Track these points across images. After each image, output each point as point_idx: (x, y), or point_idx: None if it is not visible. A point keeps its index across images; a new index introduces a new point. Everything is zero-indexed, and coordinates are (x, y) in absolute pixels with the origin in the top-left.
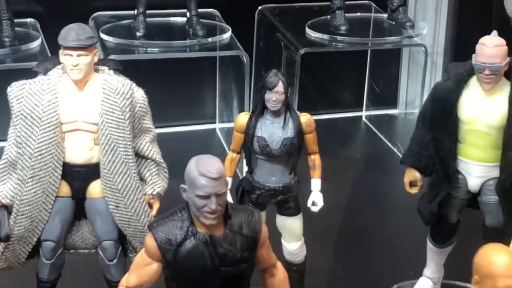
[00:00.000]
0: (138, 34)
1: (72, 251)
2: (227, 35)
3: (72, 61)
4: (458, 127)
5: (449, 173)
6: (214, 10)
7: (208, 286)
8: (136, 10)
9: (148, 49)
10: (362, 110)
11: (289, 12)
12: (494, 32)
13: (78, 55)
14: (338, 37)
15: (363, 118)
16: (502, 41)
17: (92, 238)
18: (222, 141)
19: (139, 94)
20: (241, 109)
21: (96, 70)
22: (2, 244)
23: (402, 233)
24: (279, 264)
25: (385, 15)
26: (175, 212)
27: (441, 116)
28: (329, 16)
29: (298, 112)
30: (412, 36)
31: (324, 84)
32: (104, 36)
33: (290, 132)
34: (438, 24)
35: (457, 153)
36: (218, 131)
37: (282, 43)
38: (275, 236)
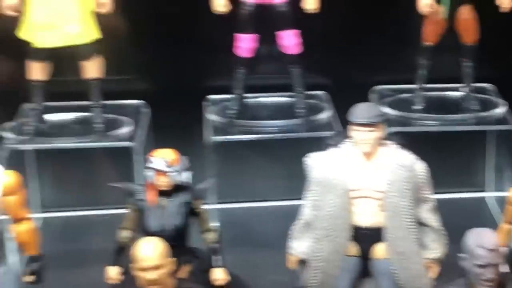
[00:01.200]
0: (416, 107)
1: None
2: (502, 109)
3: (362, 136)
4: None
5: None
6: (491, 84)
7: None
8: (415, 85)
9: (425, 122)
10: None
11: None
12: None
13: (368, 131)
14: None
15: None
16: None
17: None
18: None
19: (420, 167)
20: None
21: (382, 144)
22: None
23: None
24: None
25: None
26: (457, 281)
27: None
28: None
29: None
30: None
31: None
32: (384, 109)
33: None
34: None
35: None
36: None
37: None
38: None
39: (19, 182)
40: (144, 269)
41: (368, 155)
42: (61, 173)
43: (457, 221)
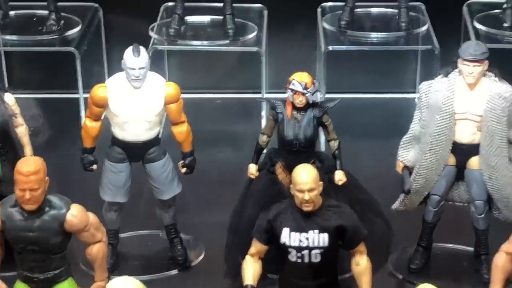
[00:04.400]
0: (505, 24)
1: (450, 202)
2: (424, 27)
3: (468, 70)
4: None
5: None
6: (420, 3)
7: None
8: (506, 3)
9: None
10: None
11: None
12: None
13: (474, 65)
14: None
15: None
16: None
17: (466, 196)
18: None
19: None
20: None
21: (484, 75)
22: (403, 195)
23: None
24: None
25: None
26: None
27: None
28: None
29: None
30: None
31: None
32: (477, 25)
33: None
34: None
35: None
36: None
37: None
38: None
39: (179, 92)
40: (302, 191)
41: (471, 85)
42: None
43: None
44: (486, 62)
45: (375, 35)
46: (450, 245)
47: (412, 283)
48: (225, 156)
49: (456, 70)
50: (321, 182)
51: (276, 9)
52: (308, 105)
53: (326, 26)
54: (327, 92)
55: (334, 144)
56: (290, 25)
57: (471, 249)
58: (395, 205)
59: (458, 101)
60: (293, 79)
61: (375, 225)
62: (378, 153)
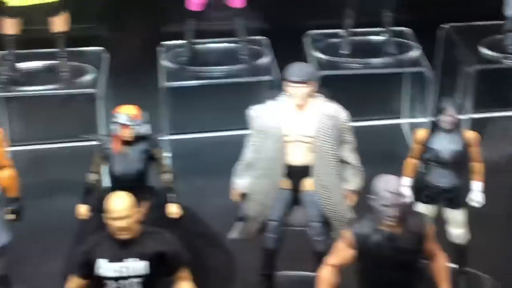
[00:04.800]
0: (343, 52)
1: (289, 227)
2: (416, 52)
3: (294, 91)
4: None
5: None
6: (408, 29)
7: (387, 269)
8: (343, 32)
9: (351, 65)
10: None
11: (468, 30)
12: None
13: (300, 87)
14: (509, 55)
15: None
16: None
17: (305, 219)
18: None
19: (343, 116)
20: None
21: (313, 96)
22: (239, 223)
23: None
24: (441, 253)
25: None
26: (367, 214)
27: None
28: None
29: (464, 130)
30: None
31: (499, 87)
32: (316, 53)
33: (458, 145)
34: None
35: None
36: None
37: (460, 60)
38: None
39: (1, 135)
40: (115, 218)
41: (300, 106)
42: (30, 116)
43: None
44: (313, 83)
45: (216, 69)
46: (295, 272)
47: None
48: (65, 204)
49: (285, 93)
50: (138, 209)
51: (116, 50)
52: (137, 139)
53: (166, 64)
54: (175, 133)
55: (167, 177)
56: (131, 65)
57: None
58: (232, 235)
59: (288, 123)
60: (118, 112)
61: (217, 258)
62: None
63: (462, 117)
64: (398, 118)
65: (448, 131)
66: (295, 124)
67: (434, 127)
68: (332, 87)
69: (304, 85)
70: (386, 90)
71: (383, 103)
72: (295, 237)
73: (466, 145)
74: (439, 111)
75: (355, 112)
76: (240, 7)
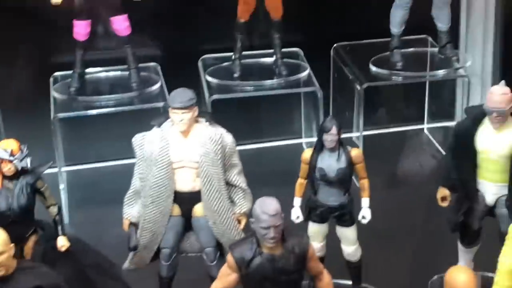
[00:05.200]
0: (235, 75)
1: (183, 254)
2: (305, 73)
3: (178, 118)
4: (476, 156)
5: (469, 191)
6: (298, 49)
7: None
8: (233, 55)
9: (244, 88)
10: (424, 123)
11: (359, 48)
12: (502, 82)
13: (182, 113)
14: (396, 71)
15: (425, 131)
16: (507, 90)
17: (198, 245)
18: None
19: (229, 139)
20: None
21: (197, 121)
22: (132, 253)
23: (445, 232)
24: (325, 272)
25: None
26: (247, 237)
27: (462, 148)
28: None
29: (349, 147)
30: (458, 68)
31: (389, 102)
32: (208, 78)
33: (343, 163)
34: (485, 55)
35: (476, 176)
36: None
37: (350, 78)
38: (336, 242)
39: None
40: None
41: (184, 132)
42: None
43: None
44: (196, 108)
45: (107, 98)
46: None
47: None
48: None
49: (169, 120)
50: (12, 245)
51: (7, 83)
52: (19, 172)
53: (56, 95)
54: (71, 165)
55: (53, 209)
56: (24, 98)
57: None
58: (125, 265)
59: (173, 150)
60: None
61: None
62: None
63: (354, 134)
64: (299, 138)
65: (332, 149)
66: (180, 150)
67: (319, 147)
68: (228, 111)
69: (186, 110)
70: (284, 111)
71: (282, 124)
72: (190, 264)
73: (351, 163)
74: (321, 130)
75: (254, 134)
76: (126, 35)
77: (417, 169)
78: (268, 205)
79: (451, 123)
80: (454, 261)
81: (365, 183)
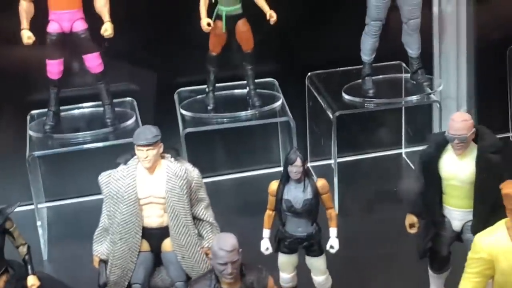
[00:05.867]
0: (209, 108)
1: None
2: (279, 103)
3: (143, 154)
4: (441, 182)
5: (435, 218)
6: (273, 79)
7: None
8: (206, 88)
9: (217, 120)
10: (401, 147)
11: (332, 76)
12: (463, 108)
13: (147, 150)
14: (368, 99)
15: (403, 155)
16: (467, 116)
17: (169, 279)
18: None
19: (194, 174)
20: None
21: (163, 157)
22: None
23: (417, 259)
24: None
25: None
26: (206, 273)
27: (427, 174)
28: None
29: (315, 178)
30: (430, 93)
31: (366, 128)
32: (183, 111)
33: (309, 194)
34: (460, 79)
35: (441, 202)
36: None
37: (323, 106)
38: (306, 272)
39: None
40: None
41: (150, 168)
42: None
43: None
44: (160, 144)
45: (83, 135)
46: None
47: None
48: None
49: (135, 157)
50: None
51: None
52: None
53: (32, 133)
54: (50, 201)
55: (23, 249)
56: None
57: None
58: None
59: (140, 186)
60: None
61: None
62: None
63: (331, 161)
64: (278, 166)
65: (298, 181)
66: (147, 186)
67: (285, 178)
68: (203, 143)
69: (151, 147)
70: (262, 140)
71: (260, 153)
72: None
73: (316, 193)
74: (286, 162)
75: (232, 164)
76: (99, 72)
77: (392, 194)
78: (225, 241)
79: None
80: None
81: (331, 212)
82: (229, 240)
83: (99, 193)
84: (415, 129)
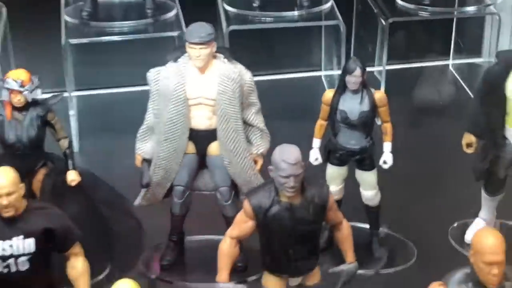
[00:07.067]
0: (254, 5)
1: (197, 192)
2: (328, 4)
3: (195, 53)
4: (505, 103)
5: (497, 138)
6: None
7: (288, 240)
8: None
9: (262, 18)
10: (449, 59)
11: None
12: None
13: (200, 48)
14: (423, 6)
15: (450, 67)
16: None
17: (212, 183)
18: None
19: (247, 77)
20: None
21: (214, 57)
22: (144, 190)
23: (468, 178)
24: (344, 221)
25: None
26: (265, 185)
27: (491, 94)
28: None
29: (373, 90)
30: (489, 5)
31: (414, 37)
32: (227, 7)
33: (366, 106)
34: None
35: (504, 123)
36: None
37: (375, 11)
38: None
39: None
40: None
41: (202, 68)
42: None
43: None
44: (214, 43)
45: (121, 24)
46: (204, 236)
47: (165, 281)
48: None
49: (186, 54)
50: (22, 185)
51: (15, 4)
52: (29, 104)
53: (68, 18)
54: (82, 89)
55: (64, 143)
56: (31, 20)
57: None
58: (137, 201)
59: (190, 86)
60: (8, 77)
61: (123, 224)
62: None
63: (376, 69)
64: (318, 70)
65: (355, 91)
66: (197, 86)
67: (341, 88)
68: (245, 42)
69: (204, 46)
70: (304, 43)
71: (301, 56)
72: (203, 201)
73: (374, 106)
74: (344, 71)
75: (272, 65)
76: None
77: (440, 107)
78: (289, 154)
79: (477, 60)
80: (476, 209)
81: (387, 127)
82: (293, 152)
83: (132, 85)
84: (464, 41)
